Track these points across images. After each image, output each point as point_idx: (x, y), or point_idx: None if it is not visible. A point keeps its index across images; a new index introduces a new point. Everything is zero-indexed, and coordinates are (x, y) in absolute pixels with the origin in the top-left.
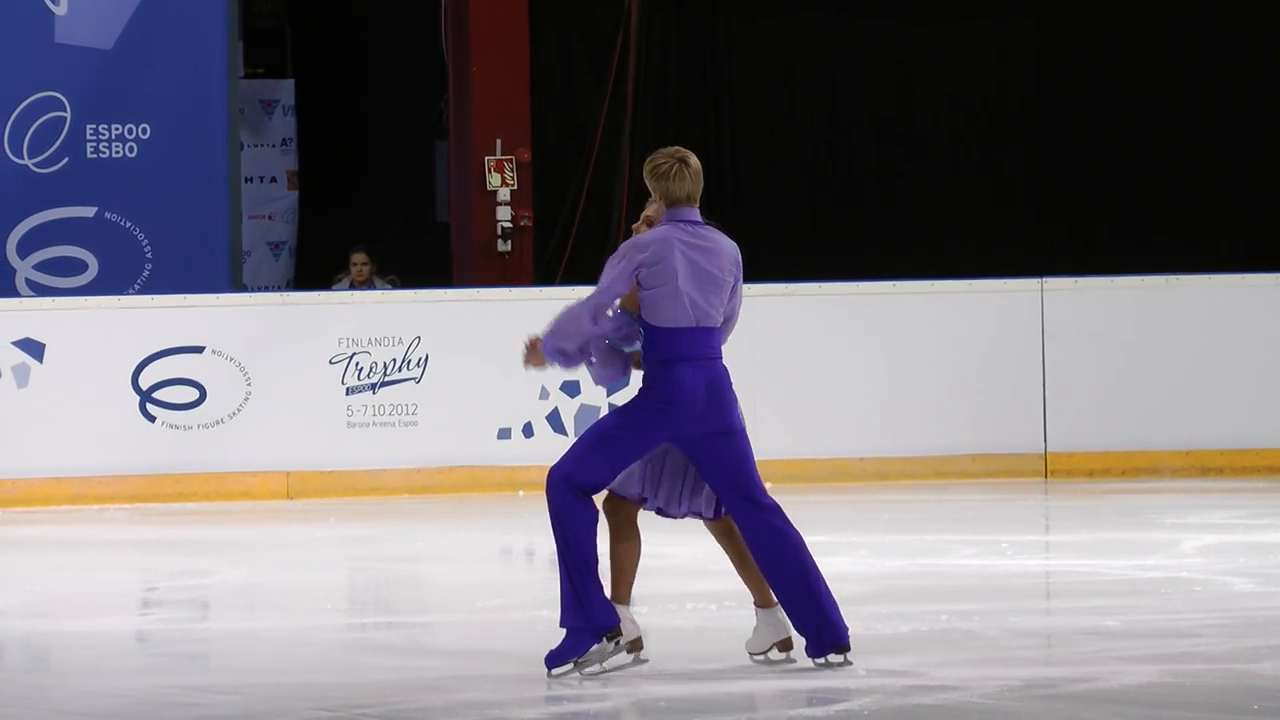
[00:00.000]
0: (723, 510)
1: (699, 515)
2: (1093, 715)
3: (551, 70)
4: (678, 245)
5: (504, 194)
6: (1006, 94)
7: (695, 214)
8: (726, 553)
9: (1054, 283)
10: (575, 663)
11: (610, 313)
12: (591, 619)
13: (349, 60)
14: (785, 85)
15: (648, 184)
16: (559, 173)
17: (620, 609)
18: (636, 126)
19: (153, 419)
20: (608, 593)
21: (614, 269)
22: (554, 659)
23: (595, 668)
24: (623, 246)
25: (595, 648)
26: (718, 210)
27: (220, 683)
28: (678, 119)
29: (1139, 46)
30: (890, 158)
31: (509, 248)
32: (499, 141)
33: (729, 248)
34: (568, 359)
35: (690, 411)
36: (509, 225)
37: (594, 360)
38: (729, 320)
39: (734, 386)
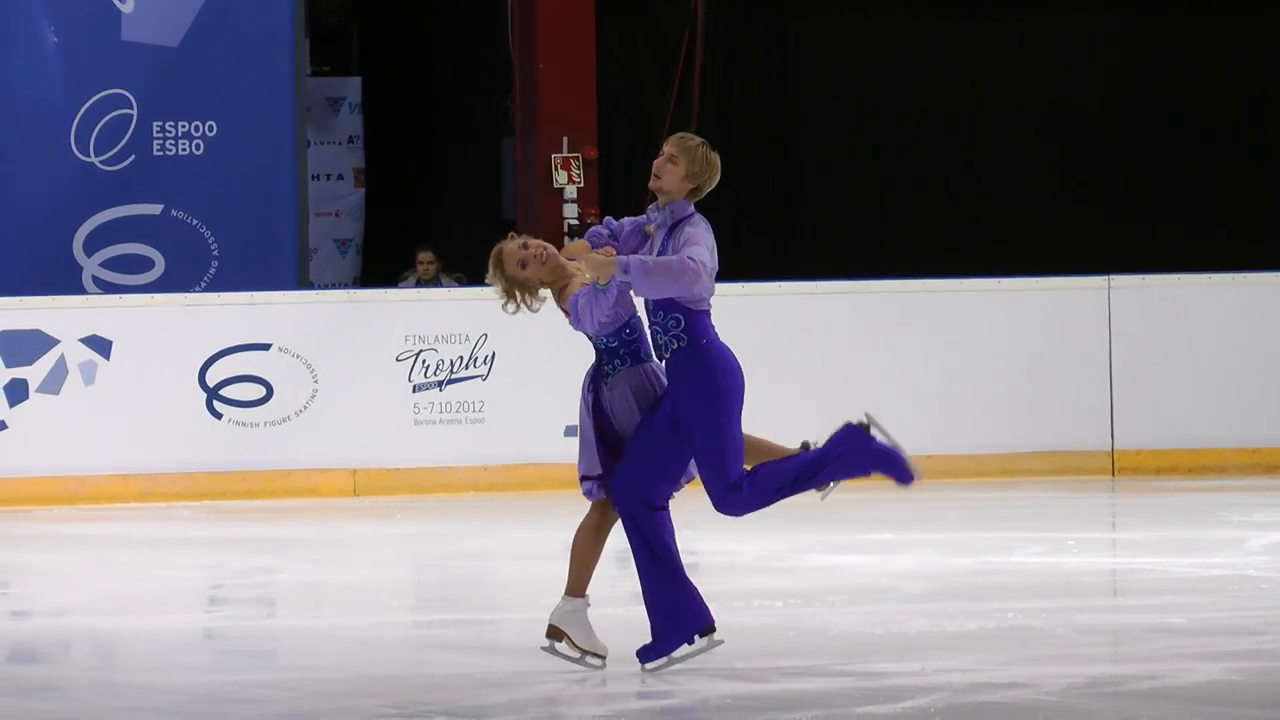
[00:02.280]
0: None
1: None
2: (1159, 713)
3: (617, 68)
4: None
5: (570, 191)
6: (1074, 91)
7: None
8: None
9: (1121, 280)
10: (669, 658)
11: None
12: (689, 620)
13: (415, 58)
14: (850, 84)
15: (698, 169)
16: (625, 170)
17: (579, 602)
18: (701, 124)
19: (219, 416)
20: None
21: (708, 244)
22: (647, 654)
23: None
24: (704, 240)
25: (688, 647)
26: (785, 209)
27: (286, 680)
28: (743, 117)
29: (1208, 43)
30: (957, 156)
31: None
32: (565, 139)
33: None
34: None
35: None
36: (575, 223)
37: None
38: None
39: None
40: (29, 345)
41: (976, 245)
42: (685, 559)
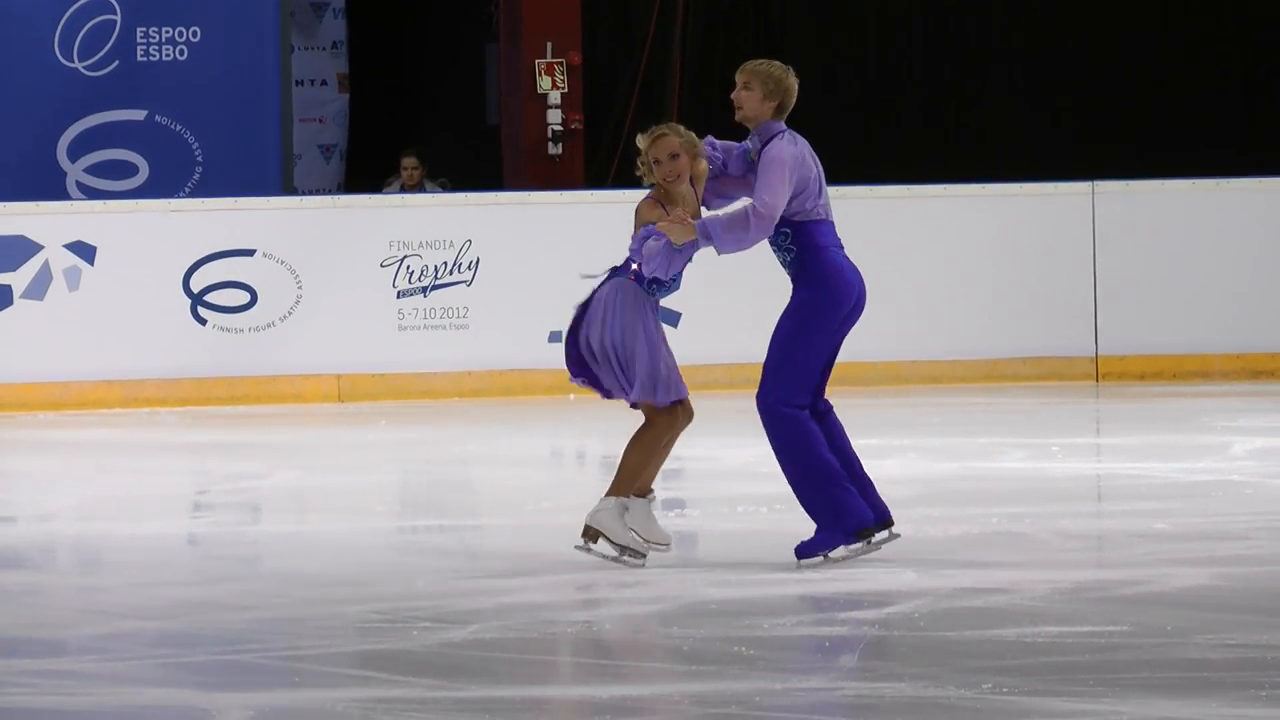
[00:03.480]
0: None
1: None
2: (1143, 617)
3: None
4: (805, 147)
5: (554, 97)
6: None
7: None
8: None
9: (1105, 186)
10: (825, 557)
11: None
12: (845, 522)
13: None
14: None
15: (772, 87)
16: (610, 76)
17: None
18: (688, 30)
19: (204, 322)
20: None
21: (785, 180)
22: (804, 550)
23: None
24: (784, 153)
25: (845, 548)
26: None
27: (271, 586)
28: (729, 23)
29: None
30: (942, 65)
31: (559, 151)
32: (549, 45)
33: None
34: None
35: (857, 296)
36: (559, 129)
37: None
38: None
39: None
40: (13, 251)
41: (961, 152)
42: (669, 463)
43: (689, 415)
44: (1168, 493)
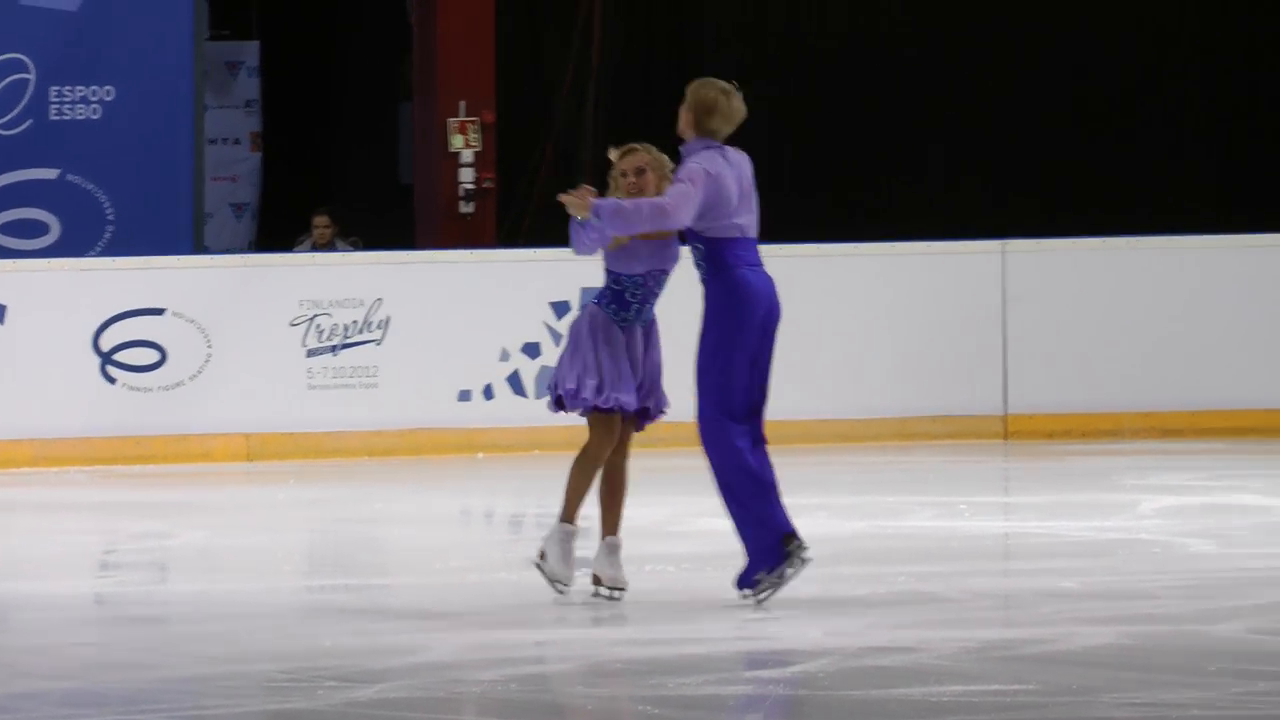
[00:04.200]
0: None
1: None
2: (1050, 676)
3: (517, 32)
4: (726, 165)
5: (467, 156)
6: (965, 57)
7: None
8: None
9: (1016, 244)
10: (765, 577)
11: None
12: (769, 534)
13: (313, 22)
14: (750, 45)
15: (691, 104)
16: (523, 135)
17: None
18: (602, 88)
19: (113, 381)
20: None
21: (692, 194)
22: (742, 581)
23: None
24: (690, 170)
25: (781, 569)
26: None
27: (179, 645)
28: (644, 81)
29: (1100, 8)
30: (854, 125)
31: (472, 210)
32: (463, 103)
33: (747, 161)
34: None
35: (766, 309)
36: (472, 187)
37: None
38: None
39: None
40: None
41: (870, 211)
42: (578, 523)
43: (613, 437)
44: (1076, 551)
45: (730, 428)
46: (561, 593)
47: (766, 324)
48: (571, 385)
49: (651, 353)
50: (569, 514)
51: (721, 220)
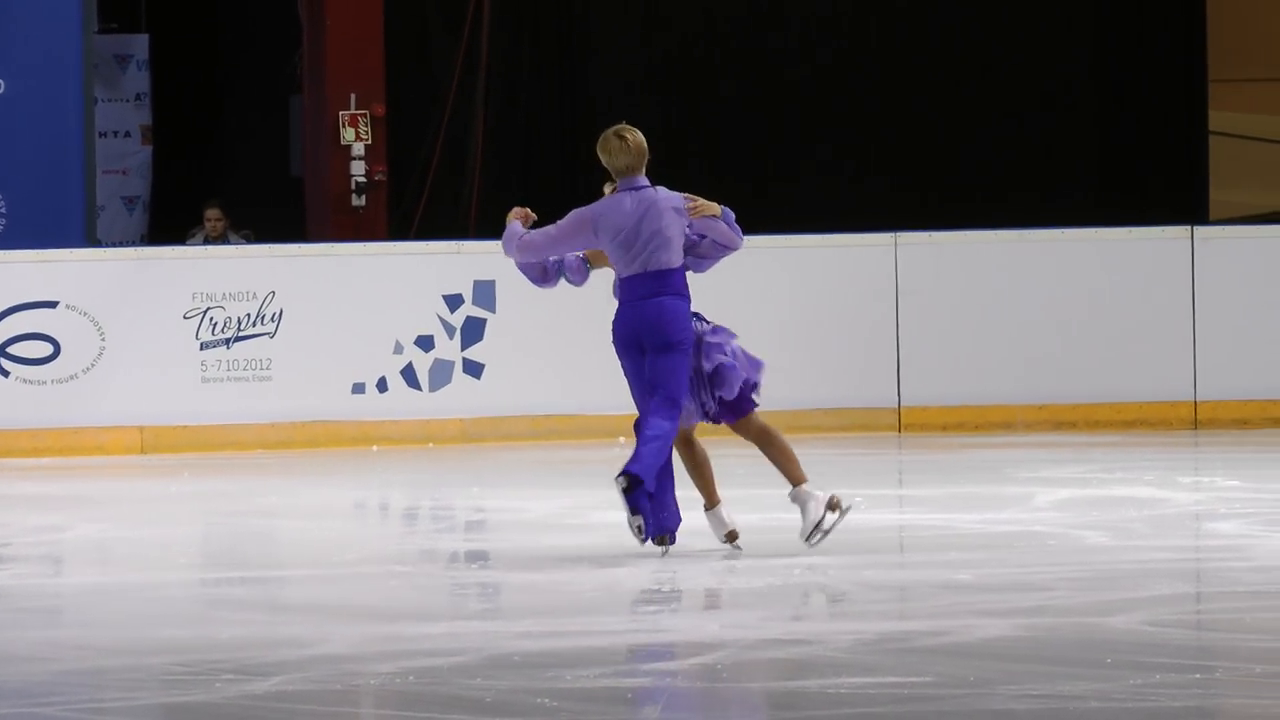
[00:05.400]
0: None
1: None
2: (946, 668)
3: (406, 24)
4: (624, 206)
5: (358, 149)
6: (858, 48)
7: (640, 180)
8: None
9: (907, 237)
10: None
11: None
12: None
13: (203, 15)
14: (640, 38)
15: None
16: (413, 127)
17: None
18: (491, 80)
19: (6, 374)
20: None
21: (549, 234)
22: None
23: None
24: (571, 215)
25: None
26: (571, 164)
27: (73, 637)
28: (532, 72)
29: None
30: (747, 116)
31: (364, 202)
32: (353, 96)
33: (665, 199)
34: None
35: (627, 339)
36: (363, 180)
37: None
38: (705, 248)
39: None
40: None
41: (762, 203)
42: (473, 515)
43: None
44: (971, 544)
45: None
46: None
47: (632, 349)
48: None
49: None
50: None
51: (613, 261)
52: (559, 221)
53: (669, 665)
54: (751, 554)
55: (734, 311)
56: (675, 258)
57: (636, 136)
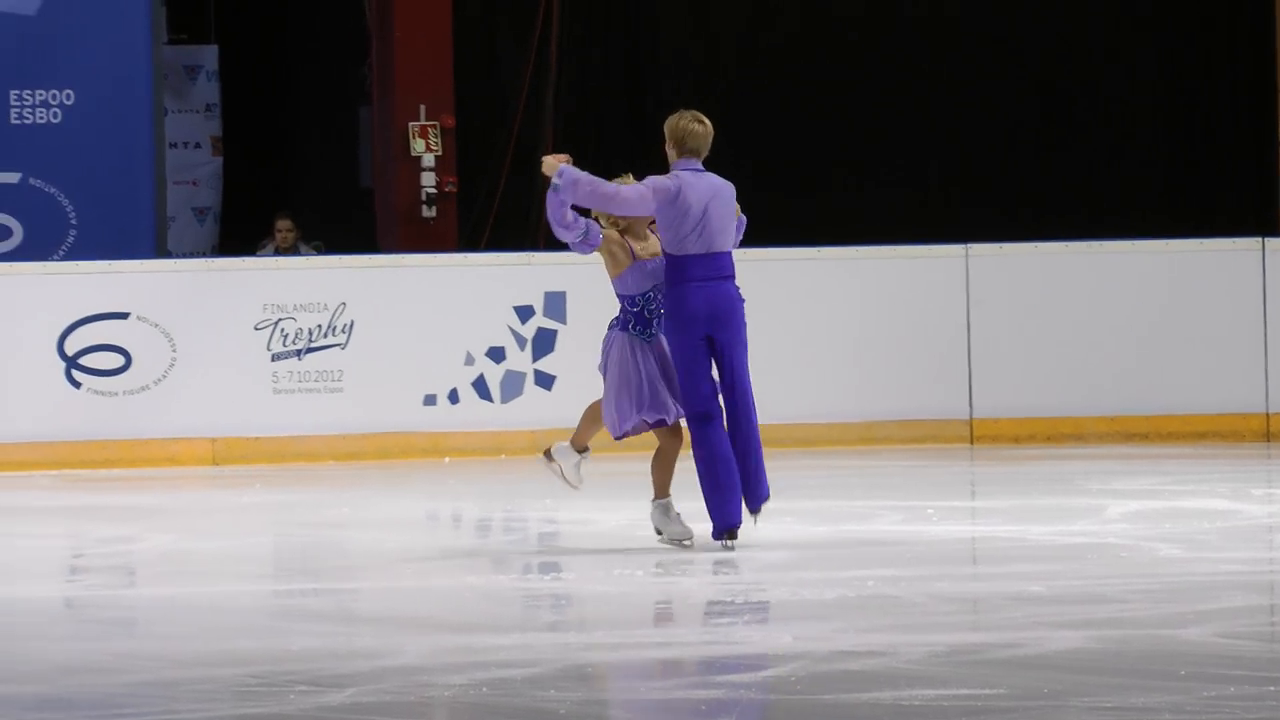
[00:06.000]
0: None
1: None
2: (1019, 680)
3: (475, 35)
4: (701, 184)
5: (428, 160)
6: (931, 63)
7: (700, 165)
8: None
9: (979, 248)
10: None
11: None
12: (715, 518)
13: (272, 25)
14: (707, 49)
15: (668, 134)
16: (483, 138)
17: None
18: (560, 91)
19: (78, 385)
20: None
21: (645, 195)
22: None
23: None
24: (657, 180)
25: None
26: (640, 174)
27: (146, 649)
28: (602, 83)
29: (1055, 13)
30: (818, 125)
31: (433, 214)
32: (423, 107)
33: (727, 186)
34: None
35: (699, 319)
36: (433, 191)
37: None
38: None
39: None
40: None
41: (834, 215)
42: (545, 526)
43: (678, 437)
44: (1043, 555)
45: (700, 423)
46: (688, 545)
47: (711, 331)
48: (629, 425)
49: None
50: (662, 492)
51: (679, 236)
52: (636, 184)
53: (743, 677)
54: (824, 566)
55: (804, 322)
56: (730, 243)
57: (709, 123)
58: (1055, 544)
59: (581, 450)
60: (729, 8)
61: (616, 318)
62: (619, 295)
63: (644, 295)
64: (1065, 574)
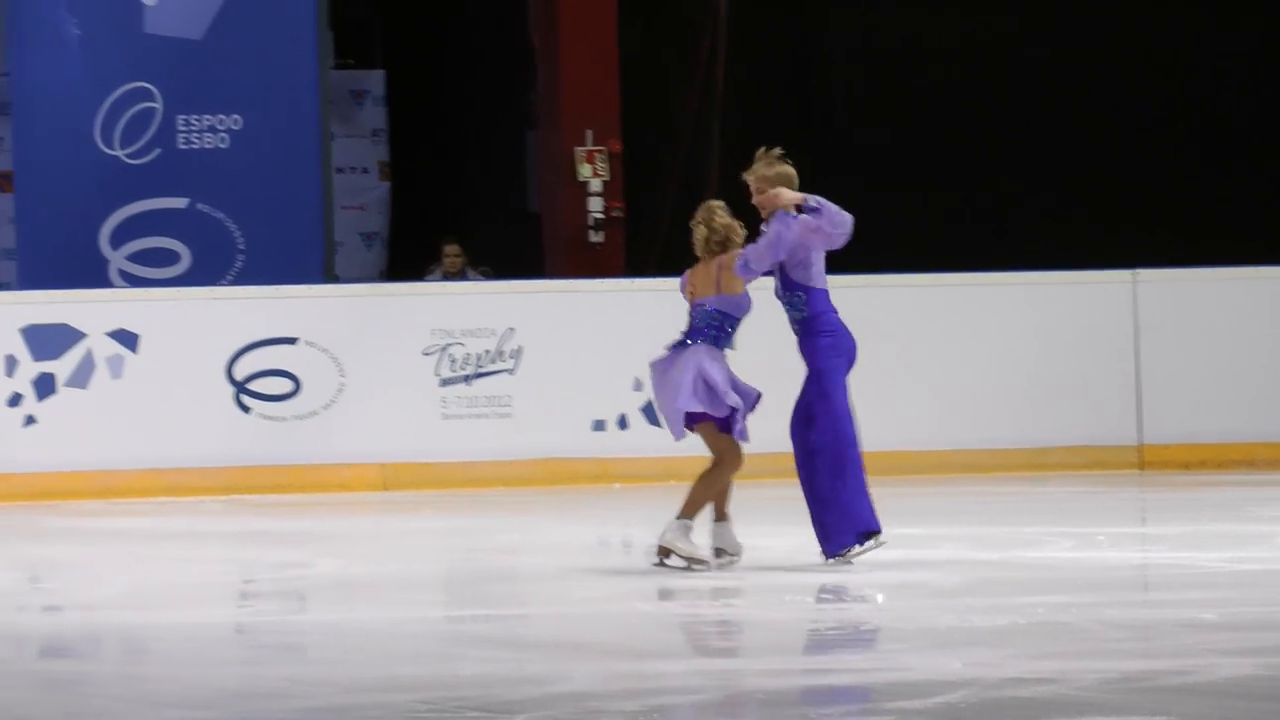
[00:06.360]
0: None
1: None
2: (1190, 708)
3: (641, 60)
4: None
5: (595, 185)
6: (1099, 87)
7: None
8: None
9: (1147, 274)
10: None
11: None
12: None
13: (439, 51)
14: (872, 78)
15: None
16: (650, 163)
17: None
18: (726, 116)
19: (247, 410)
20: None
21: (787, 234)
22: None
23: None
24: (793, 222)
25: (857, 548)
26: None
27: (317, 674)
28: (768, 108)
29: (1232, 37)
30: (985, 150)
31: (600, 239)
32: (589, 132)
33: None
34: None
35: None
36: (600, 216)
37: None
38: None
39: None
40: (56, 339)
41: (1002, 240)
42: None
43: (739, 458)
44: (1214, 582)
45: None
46: (707, 568)
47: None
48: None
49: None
50: (689, 513)
51: (822, 270)
52: (786, 231)
53: (913, 704)
54: (992, 592)
55: (973, 349)
56: None
57: None
58: (1227, 570)
59: (691, 520)
60: (893, 34)
61: (699, 334)
62: (720, 312)
63: (736, 320)
64: (1237, 601)
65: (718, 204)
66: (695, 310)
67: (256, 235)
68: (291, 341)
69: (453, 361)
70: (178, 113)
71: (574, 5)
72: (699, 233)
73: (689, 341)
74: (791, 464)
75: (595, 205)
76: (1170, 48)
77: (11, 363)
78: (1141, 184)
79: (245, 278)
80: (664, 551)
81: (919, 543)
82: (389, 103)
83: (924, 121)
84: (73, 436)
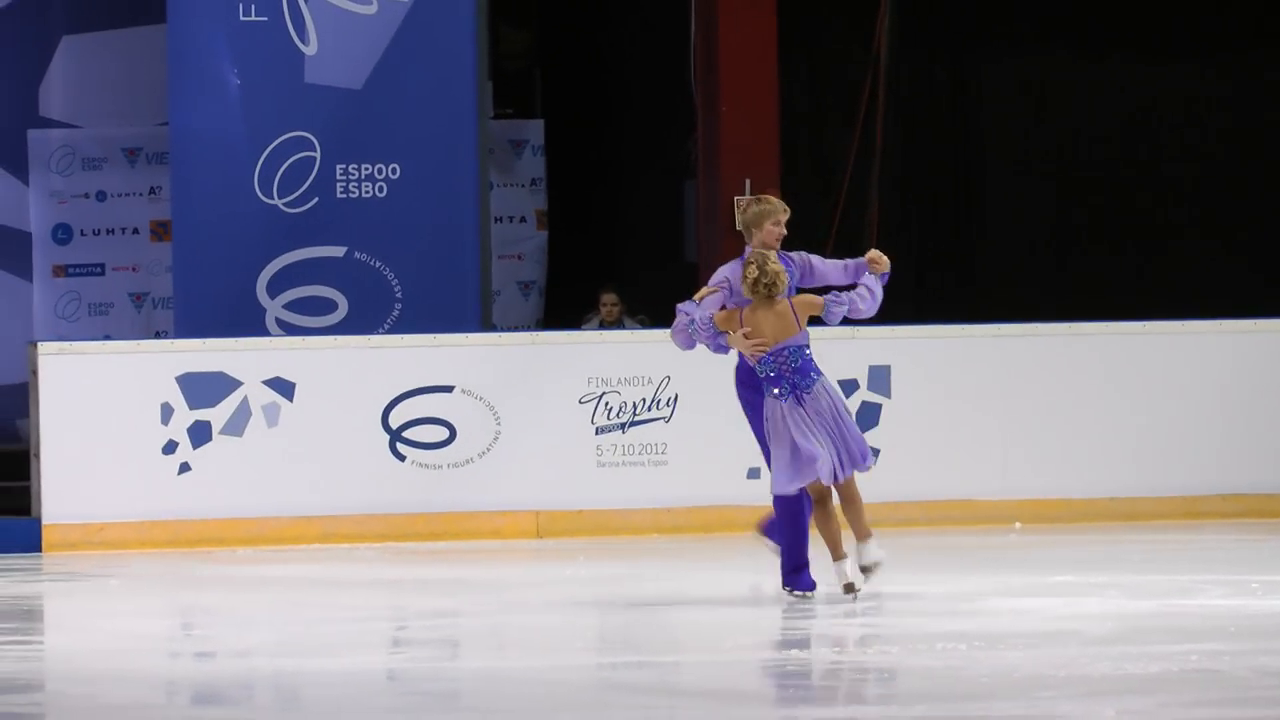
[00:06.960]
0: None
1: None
2: None
3: (800, 110)
4: None
5: None
6: (1255, 133)
7: None
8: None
9: None
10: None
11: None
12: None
13: (597, 100)
14: (1034, 128)
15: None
16: (807, 214)
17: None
18: (884, 168)
19: (403, 458)
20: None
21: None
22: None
23: None
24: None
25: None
26: (967, 252)
27: None
28: (926, 162)
29: None
30: (1139, 200)
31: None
32: (748, 181)
33: None
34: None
35: None
36: None
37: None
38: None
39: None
40: (213, 387)
41: (1157, 288)
42: (868, 600)
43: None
44: None
45: None
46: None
47: None
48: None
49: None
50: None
51: None
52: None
53: None
54: (1146, 639)
55: (1127, 396)
56: None
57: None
58: None
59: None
60: (1057, 93)
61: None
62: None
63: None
64: None
65: (770, 252)
66: (787, 352)
67: (414, 284)
68: (448, 390)
69: (609, 410)
70: (336, 162)
71: (735, 54)
72: (750, 272)
73: (814, 375)
74: (925, 513)
75: None
76: None
77: (167, 410)
78: None
79: (402, 326)
80: (849, 587)
81: (1073, 590)
82: (547, 152)
83: (1084, 170)
84: (227, 484)
